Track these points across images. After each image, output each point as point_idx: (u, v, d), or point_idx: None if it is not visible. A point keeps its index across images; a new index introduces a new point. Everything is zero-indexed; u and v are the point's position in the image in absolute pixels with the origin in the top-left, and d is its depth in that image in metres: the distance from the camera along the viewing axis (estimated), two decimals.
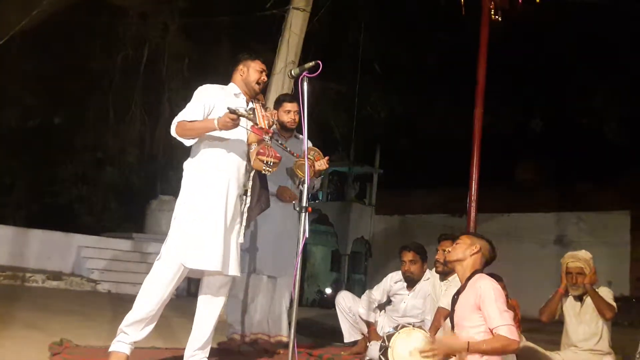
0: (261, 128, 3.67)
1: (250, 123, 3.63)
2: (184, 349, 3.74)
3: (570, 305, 4.84)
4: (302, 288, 7.89)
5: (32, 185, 16.08)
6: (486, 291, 3.13)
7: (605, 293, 4.75)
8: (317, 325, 7.51)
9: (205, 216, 3.56)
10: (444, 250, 4.89)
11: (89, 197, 16.46)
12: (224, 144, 3.66)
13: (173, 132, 3.58)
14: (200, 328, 3.71)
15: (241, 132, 3.67)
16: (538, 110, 15.94)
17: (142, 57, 13.44)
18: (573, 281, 4.73)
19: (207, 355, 3.74)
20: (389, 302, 5.51)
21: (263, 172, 3.68)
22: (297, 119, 4.76)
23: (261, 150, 3.61)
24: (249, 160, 3.80)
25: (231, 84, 3.89)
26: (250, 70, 3.85)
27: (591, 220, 16.53)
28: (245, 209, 3.83)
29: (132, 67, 13.51)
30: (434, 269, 5.25)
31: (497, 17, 7.00)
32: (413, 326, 3.33)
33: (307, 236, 3.23)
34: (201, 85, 3.82)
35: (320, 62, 3.28)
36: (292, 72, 3.46)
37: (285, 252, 4.70)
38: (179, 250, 3.52)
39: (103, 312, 6.98)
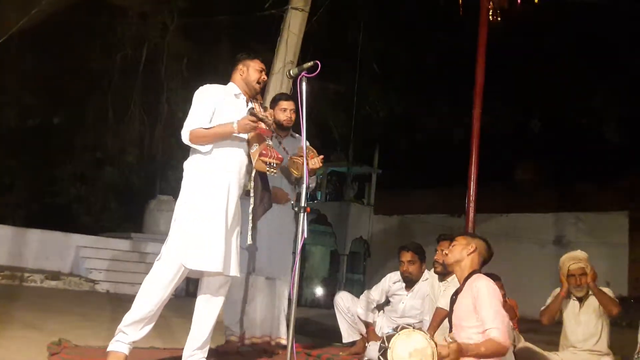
0: (267, 129, 3.68)
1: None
2: (183, 349, 3.74)
3: (569, 306, 4.84)
4: (300, 288, 7.88)
5: (31, 185, 16.08)
6: (482, 291, 3.14)
7: (607, 291, 4.77)
8: (315, 326, 7.51)
9: (206, 216, 3.56)
10: (443, 251, 4.89)
11: (87, 197, 16.46)
12: (225, 144, 3.66)
13: (186, 140, 3.58)
14: (199, 328, 3.71)
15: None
16: (537, 111, 15.94)
17: (141, 57, 13.43)
18: (577, 283, 4.73)
19: (206, 356, 3.74)
20: (387, 302, 5.51)
21: (268, 173, 3.68)
22: (293, 118, 4.74)
23: (264, 152, 3.62)
24: (249, 161, 3.80)
25: (231, 84, 3.87)
26: (250, 70, 3.84)
27: (590, 221, 16.52)
28: (250, 210, 3.84)
29: (131, 67, 13.51)
30: (432, 270, 5.25)
31: (495, 17, 7.00)
32: (413, 327, 3.32)
33: (305, 236, 3.23)
34: (200, 85, 3.81)
35: (319, 62, 3.28)
36: (291, 72, 3.46)
37: (282, 253, 4.69)
38: (179, 250, 3.51)
39: (102, 312, 6.97)
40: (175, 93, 13.30)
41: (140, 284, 3.58)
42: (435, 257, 5.10)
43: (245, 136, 3.71)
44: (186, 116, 3.66)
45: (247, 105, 3.80)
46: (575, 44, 14.13)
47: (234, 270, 3.69)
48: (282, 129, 4.77)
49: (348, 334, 5.48)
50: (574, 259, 4.80)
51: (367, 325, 5.43)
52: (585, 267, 4.75)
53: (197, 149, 3.64)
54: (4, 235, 10.64)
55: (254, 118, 3.45)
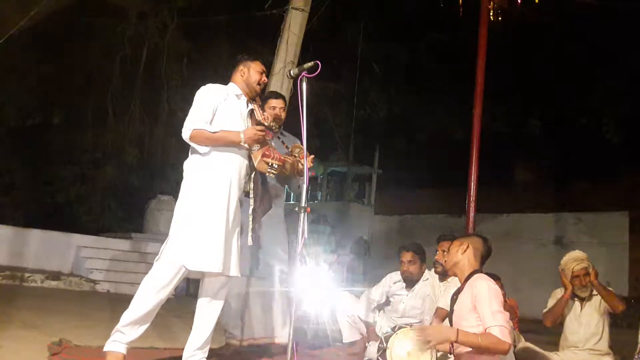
0: (269, 130, 3.69)
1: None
2: (183, 349, 3.74)
3: (570, 307, 4.84)
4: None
5: (31, 185, 16.05)
6: (482, 291, 3.14)
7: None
8: (315, 325, 7.50)
9: (207, 217, 3.55)
10: (443, 251, 4.90)
11: (87, 197, 16.43)
12: (226, 145, 3.66)
13: (187, 138, 3.59)
14: (199, 328, 3.71)
15: None
16: (536, 111, 15.93)
17: (141, 56, 13.43)
18: (583, 283, 4.73)
19: (206, 356, 3.74)
20: (387, 302, 5.51)
21: (267, 174, 3.68)
22: (282, 116, 4.72)
23: (266, 153, 3.63)
24: (250, 162, 3.80)
25: (232, 84, 3.87)
26: (251, 71, 3.85)
27: (590, 221, 16.51)
28: (251, 211, 3.84)
29: (131, 67, 13.51)
30: (432, 270, 5.26)
31: (496, 17, 7.01)
32: (411, 327, 3.33)
33: (306, 237, 3.23)
34: (200, 85, 3.81)
35: (319, 62, 3.28)
36: (291, 72, 3.46)
37: (276, 252, 4.63)
38: (180, 251, 3.51)
39: (102, 312, 6.97)
40: (175, 93, 13.30)
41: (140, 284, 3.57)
42: (436, 257, 5.11)
43: None
44: (186, 116, 3.67)
45: (247, 107, 3.80)
46: (575, 43, 14.12)
47: (235, 271, 3.70)
48: (270, 130, 4.72)
49: (348, 334, 5.48)
50: (576, 260, 4.79)
51: (368, 325, 5.43)
52: (588, 267, 4.75)
53: (196, 149, 3.64)
54: (4, 235, 10.62)
55: (262, 128, 3.46)
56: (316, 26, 9.01)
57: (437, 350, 3.27)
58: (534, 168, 18.86)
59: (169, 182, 14.12)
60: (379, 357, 3.25)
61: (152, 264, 3.61)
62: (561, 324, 4.90)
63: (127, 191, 16.23)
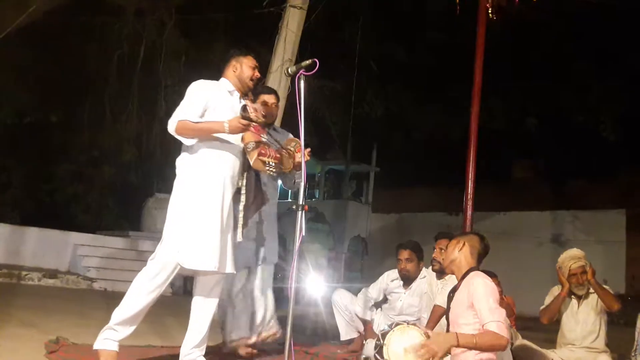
0: (262, 127, 3.66)
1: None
2: (180, 347, 3.74)
3: (567, 304, 4.85)
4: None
5: (28, 184, 16.05)
6: (478, 288, 3.14)
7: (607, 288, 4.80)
8: (313, 323, 7.51)
9: (201, 215, 3.53)
10: (441, 249, 4.91)
11: (85, 195, 16.42)
12: (219, 142, 3.63)
13: (172, 131, 3.53)
14: (196, 326, 3.70)
15: None
16: (534, 109, 15.94)
17: (138, 55, 13.40)
18: (580, 281, 4.74)
19: (203, 353, 3.74)
20: (385, 300, 5.52)
21: (265, 172, 3.64)
22: (275, 113, 4.64)
23: (262, 151, 3.58)
24: (243, 159, 3.78)
25: (224, 80, 3.85)
26: (244, 67, 3.82)
27: (587, 219, 16.56)
28: (242, 207, 3.82)
29: (129, 65, 13.48)
30: (430, 267, 5.27)
31: (494, 15, 7.01)
32: (407, 323, 3.33)
33: (303, 234, 3.22)
34: None
35: (316, 60, 3.28)
36: (289, 70, 3.45)
37: (264, 241, 4.45)
38: (175, 250, 3.49)
39: (99, 310, 6.96)
40: (173, 91, 13.26)
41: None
42: (433, 255, 5.12)
43: (239, 135, 3.67)
44: None
45: (240, 103, 3.76)
46: (572, 41, 14.13)
47: (230, 268, 3.68)
48: (262, 126, 4.57)
49: (346, 332, 5.50)
50: (573, 258, 4.80)
51: (365, 323, 5.44)
52: (585, 265, 4.76)
53: (187, 147, 3.60)
54: (1, 234, 10.62)
55: (246, 122, 3.42)
56: (314, 24, 9.00)
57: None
58: (531, 166, 18.92)
59: (166, 180, 14.06)
60: (376, 354, 3.25)
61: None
62: (558, 322, 4.90)
63: (124, 189, 16.23)
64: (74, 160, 15.87)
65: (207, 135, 3.56)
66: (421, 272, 5.34)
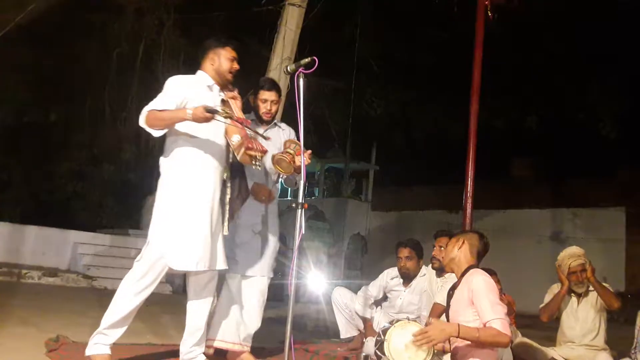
0: (242, 119, 3.55)
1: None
2: (179, 345, 3.73)
3: (567, 302, 4.85)
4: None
5: (28, 182, 16.05)
6: (478, 285, 3.14)
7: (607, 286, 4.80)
8: (313, 322, 7.52)
9: (188, 215, 3.47)
10: (441, 247, 4.91)
11: (85, 193, 16.43)
12: (202, 138, 3.54)
13: (142, 123, 3.44)
14: (193, 324, 3.69)
15: (219, 126, 3.52)
16: (534, 107, 15.93)
17: (137, 53, 13.39)
18: (579, 279, 4.74)
19: (203, 351, 3.74)
20: (385, 298, 5.53)
21: (252, 167, 3.56)
22: (273, 110, 4.34)
23: (249, 145, 3.47)
24: (227, 154, 3.70)
25: (201, 73, 3.71)
26: (222, 59, 3.68)
27: (587, 217, 16.57)
28: (227, 200, 3.75)
29: (128, 63, 13.47)
30: (430, 265, 5.27)
31: (493, 13, 7.00)
32: (408, 319, 3.34)
33: (303, 232, 3.22)
34: None
35: (316, 58, 3.27)
36: (288, 68, 3.44)
37: (261, 249, 4.24)
38: (162, 251, 3.44)
39: (99, 309, 6.94)
40: None
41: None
42: (433, 253, 5.12)
43: (222, 130, 3.56)
44: None
45: (220, 96, 3.67)
46: (571, 40, 14.12)
47: (221, 264, 3.63)
48: (261, 122, 4.34)
49: (346, 330, 5.50)
50: (573, 256, 4.80)
51: (365, 320, 5.44)
52: (584, 263, 4.76)
53: (170, 144, 3.55)
54: (1, 232, 10.62)
55: (209, 115, 3.27)
56: (313, 22, 8.99)
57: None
58: (531, 164, 18.91)
59: None
60: (377, 350, 3.25)
61: None
62: (558, 320, 4.91)
63: (124, 188, 16.24)
64: (74, 158, 15.87)
65: (172, 123, 3.42)
66: (421, 270, 5.34)
